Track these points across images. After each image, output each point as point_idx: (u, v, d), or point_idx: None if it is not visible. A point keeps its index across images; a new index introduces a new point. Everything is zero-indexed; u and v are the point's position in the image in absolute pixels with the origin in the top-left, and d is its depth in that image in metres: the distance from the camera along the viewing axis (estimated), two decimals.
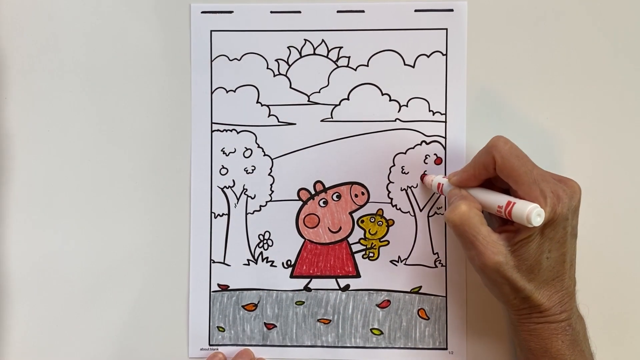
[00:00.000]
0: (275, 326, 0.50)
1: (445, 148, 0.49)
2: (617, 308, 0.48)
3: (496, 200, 0.40)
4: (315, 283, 0.50)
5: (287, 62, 0.49)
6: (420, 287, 0.49)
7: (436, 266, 0.49)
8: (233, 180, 0.50)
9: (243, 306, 0.50)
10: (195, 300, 0.50)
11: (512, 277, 0.40)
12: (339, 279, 0.50)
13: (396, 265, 0.49)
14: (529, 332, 0.42)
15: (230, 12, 0.49)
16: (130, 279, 0.50)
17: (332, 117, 0.49)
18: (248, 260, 0.50)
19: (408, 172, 0.49)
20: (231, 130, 0.50)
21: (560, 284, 0.41)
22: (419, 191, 0.49)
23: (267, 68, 0.49)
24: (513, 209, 0.39)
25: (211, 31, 0.49)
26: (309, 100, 0.49)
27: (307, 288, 0.50)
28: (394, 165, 0.49)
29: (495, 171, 0.41)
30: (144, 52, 0.49)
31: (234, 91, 0.49)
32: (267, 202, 0.50)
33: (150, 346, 0.50)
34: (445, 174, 0.49)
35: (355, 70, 0.49)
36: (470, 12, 0.48)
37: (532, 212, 0.37)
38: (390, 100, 0.49)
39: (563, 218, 0.39)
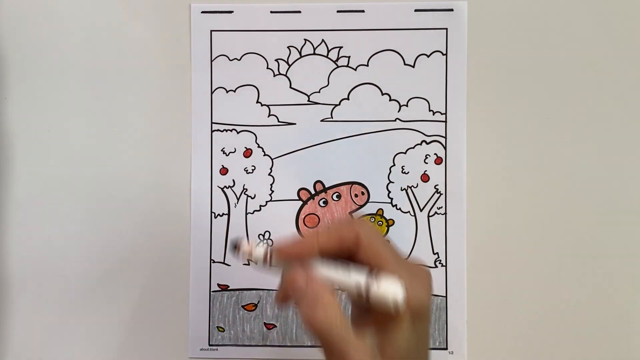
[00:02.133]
0: (275, 326, 0.50)
1: (445, 148, 0.49)
2: (617, 308, 0.48)
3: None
4: None
5: (287, 62, 0.49)
6: None
7: (436, 266, 0.49)
8: (233, 180, 0.50)
9: (243, 306, 0.50)
10: (195, 300, 0.49)
11: None
12: None
13: None
14: None
15: (230, 12, 0.49)
16: (130, 279, 0.50)
17: (332, 117, 0.49)
18: (248, 260, 0.50)
19: (408, 172, 0.49)
20: (231, 130, 0.50)
21: None
22: (419, 191, 0.49)
23: (267, 68, 0.49)
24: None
25: (211, 31, 0.49)
26: (309, 100, 0.49)
27: None
28: (394, 165, 0.49)
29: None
30: (144, 52, 0.49)
31: (234, 91, 0.49)
32: (267, 202, 0.50)
33: (150, 346, 0.50)
34: (446, 174, 0.49)
35: (355, 70, 0.49)
36: (470, 12, 0.48)
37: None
38: (390, 100, 0.49)
39: (429, 307, 0.34)
